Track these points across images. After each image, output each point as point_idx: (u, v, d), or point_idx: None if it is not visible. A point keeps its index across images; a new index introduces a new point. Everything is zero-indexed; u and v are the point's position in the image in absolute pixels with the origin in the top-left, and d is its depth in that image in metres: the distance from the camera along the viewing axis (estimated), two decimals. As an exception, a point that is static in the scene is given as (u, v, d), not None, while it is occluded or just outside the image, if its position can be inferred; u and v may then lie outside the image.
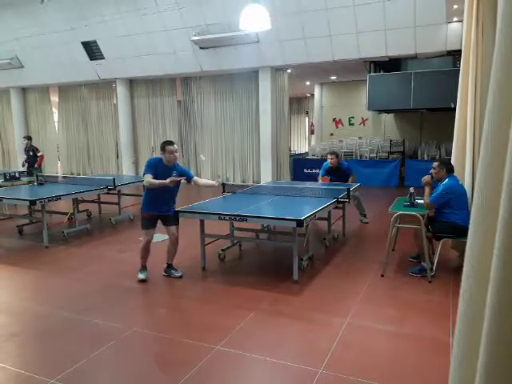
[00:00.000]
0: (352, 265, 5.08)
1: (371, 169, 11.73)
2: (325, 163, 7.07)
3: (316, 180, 7.44)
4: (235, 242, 5.66)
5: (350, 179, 6.82)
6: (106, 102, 14.03)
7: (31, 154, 9.52)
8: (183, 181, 4.56)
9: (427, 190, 4.60)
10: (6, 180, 8.04)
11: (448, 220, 4.40)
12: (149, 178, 4.32)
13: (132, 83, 13.15)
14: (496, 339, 1.00)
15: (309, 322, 3.59)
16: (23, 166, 9.61)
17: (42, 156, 9.59)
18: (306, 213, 4.32)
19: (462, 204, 4.39)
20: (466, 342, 1.21)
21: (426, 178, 4.64)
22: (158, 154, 13.26)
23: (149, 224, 4.54)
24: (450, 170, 4.52)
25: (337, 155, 6.98)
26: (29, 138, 9.82)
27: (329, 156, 6.94)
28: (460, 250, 4.98)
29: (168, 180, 4.32)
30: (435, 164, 4.60)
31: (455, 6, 8.04)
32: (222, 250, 5.30)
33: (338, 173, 6.86)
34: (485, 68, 4.46)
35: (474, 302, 1.16)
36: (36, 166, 9.39)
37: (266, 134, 11.23)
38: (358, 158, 13.28)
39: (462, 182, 4.61)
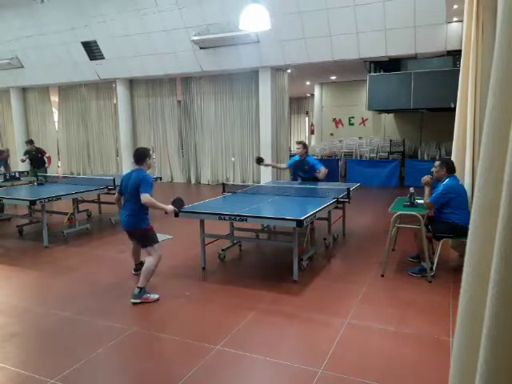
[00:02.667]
0: (352, 265, 5.07)
1: (371, 169, 11.73)
2: (294, 157, 6.57)
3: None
4: (235, 242, 5.66)
5: (318, 172, 6.11)
6: (106, 101, 14.04)
7: (39, 155, 9.45)
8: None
9: (427, 190, 4.60)
10: (5, 180, 8.05)
11: (448, 220, 4.40)
12: (154, 200, 4.04)
13: (132, 83, 13.15)
14: (496, 339, 1.00)
15: (309, 321, 3.59)
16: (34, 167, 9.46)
17: (49, 157, 9.67)
18: (305, 213, 4.32)
19: (462, 204, 4.39)
20: (466, 341, 1.21)
21: (426, 178, 4.64)
22: (158, 154, 13.30)
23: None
24: (451, 169, 4.51)
25: (304, 145, 6.36)
26: (30, 141, 9.67)
27: (296, 146, 6.40)
28: (460, 250, 4.98)
29: (172, 208, 4.28)
30: (436, 163, 4.60)
31: (455, 6, 8.04)
32: (222, 249, 5.30)
33: (305, 167, 6.32)
34: (485, 68, 4.46)
35: (474, 302, 1.16)
36: (48, 165, 9.52)
37: (266, 134, 11.23)
38: (358, 158, 13.28)
39: (462, 182, 4.61)
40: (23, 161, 9.61)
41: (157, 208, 4.10)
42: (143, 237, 4.14)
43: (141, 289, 4.01)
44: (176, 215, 4.47)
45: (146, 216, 4.13)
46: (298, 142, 6.48)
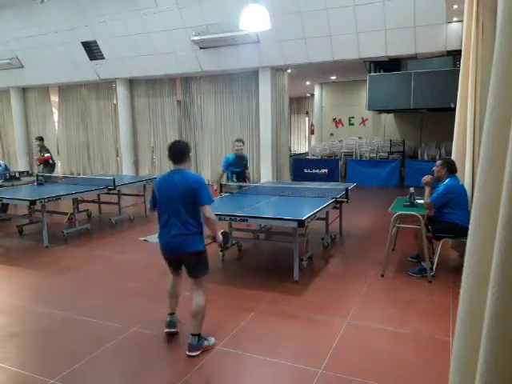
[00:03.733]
0: (352, 265, 5.07)
1: (371, 169, 11.73)
2: (227, 157, 6.47)
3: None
4: (233, 242, 5.66)
5: (247, 172, 6.47)
6: (106, 101, 14.03)
7: (42, 155, 9.12)
8: None
9: (427, 190, 4.60)
10: (5, 180, 8.04)
11: (448, 220, 4.40)
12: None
13: (132, 83, 13.15)
14: (496, 339, 1.00)
15: (309, 322, 3.59)
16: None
17: (48, 157, 9.16)
18: (306, 213, 4.31)
19: (462, 204, 4.39)
20: (466, 341, 1.21)
21: (427, 178, 4.64)
22: (158, 154, 13.30)
23: None
24: (452, 170, 4.51)
25: (243, 142, 6.34)
26: (40, 138, 9.43)
27: (237, 143, 6.25)
28: (460, 250, 4.98)
29: (221, 238, 3.25)
30: (438, 162, 4.60)
31: (455, 6, 8.04)
32: (221, 250, 5.29)
33: (243, 162, 6.39)
34: (485, 68, 4.46)
35: (474, 302, 1.16)
36: (38, 163, 9.16)
37: (266, 134, 11.23)
38: (358, 158, 13.28)
39: (462, 182, 4.61)
40: (46, 159, 9.02)
41: (212, 229, 3.16)
42: (198, 262, 3.12)
43: (199, 336, 3.09)
44: (221, 246, 3.48)
45: (202, 234, 3.15)
46: (239, 140, 6.36)
